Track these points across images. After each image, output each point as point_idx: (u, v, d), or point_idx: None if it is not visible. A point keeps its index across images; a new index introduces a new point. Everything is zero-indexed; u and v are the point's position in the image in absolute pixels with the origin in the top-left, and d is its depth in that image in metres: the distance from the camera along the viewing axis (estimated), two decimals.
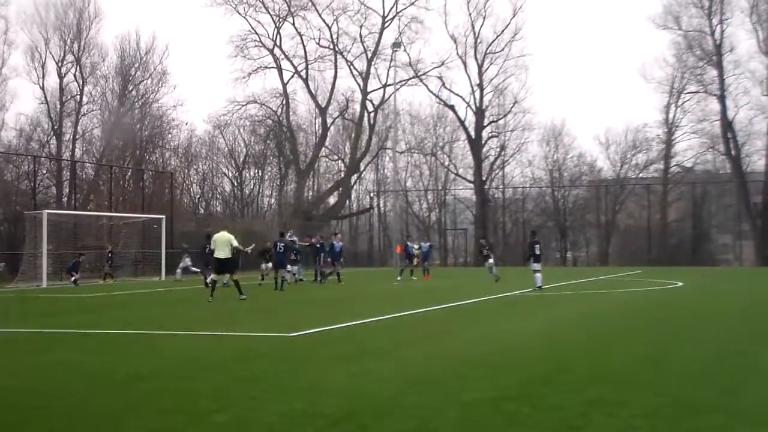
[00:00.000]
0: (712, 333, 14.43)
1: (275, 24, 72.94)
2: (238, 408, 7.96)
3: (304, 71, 74.01)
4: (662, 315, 18.63)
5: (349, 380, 9.42)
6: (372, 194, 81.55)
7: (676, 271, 43.74)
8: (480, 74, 75.77)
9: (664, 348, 12.22)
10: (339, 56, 74.20)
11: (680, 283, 31.67)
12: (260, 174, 75.80)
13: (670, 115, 75.08)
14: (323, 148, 76.52)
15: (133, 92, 64.33)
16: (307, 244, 36.60)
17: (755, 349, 12.03)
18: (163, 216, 43.79)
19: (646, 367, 10.23)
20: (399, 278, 36.42)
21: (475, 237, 75.64)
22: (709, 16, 72.03)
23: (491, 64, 76.03)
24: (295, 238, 36.07)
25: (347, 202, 79.19)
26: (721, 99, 71.69)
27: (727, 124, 71.57)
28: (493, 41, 75.50)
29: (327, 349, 12.40)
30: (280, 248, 30.42)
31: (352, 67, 75.07)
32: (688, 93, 74.54)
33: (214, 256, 24.17)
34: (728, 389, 8.67)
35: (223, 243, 23.83)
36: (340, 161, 79.25)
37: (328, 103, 74.74)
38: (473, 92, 76.01)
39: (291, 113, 74.16)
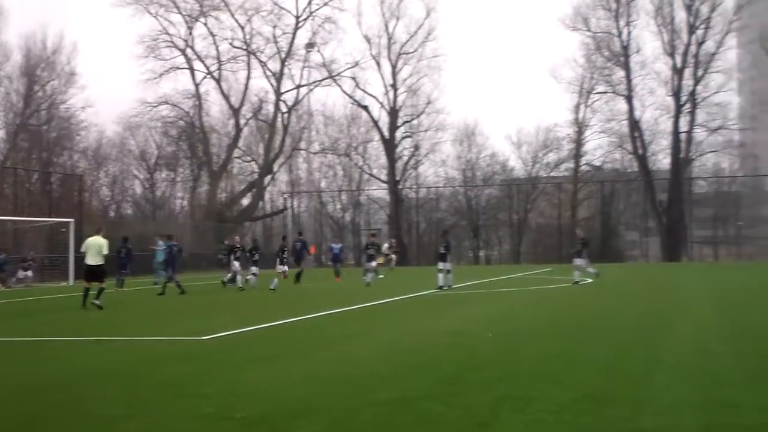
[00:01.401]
0: (618, 327, 14.72)
1: (187, 24, 72.23)
2: (150, 414, 7.84)
3: (217, 72, 73.46)
4: (571, 311, 18.96)
5: (263, 383, 9.35)
6: (286, 195, 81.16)
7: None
8: (394, 75, 76.15)
9: (572, 343, 12.44)
10: (252, 57, 73.85)
11: (589, 280, 32.27)
12: (172, 176, 74.80)
13: (580, 115, 76.61)
14: (236, 150, 75.96)
15: (39, 93, 62.82)
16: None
17: (659, 341, 12.33)
18: (72, 219, 42.76)
19: (554, 362, 10.39)
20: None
21: (388, 236, 75.96)
22: (617, 18, 73.75)
23: (405, 64, 76.52)
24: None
25: (261, 203, 78.72)
26: (629, 99, 73.46)
27: (634, 124, 73.36)
28: (406, 42, 76.01)
29: (240, 352, 12.29)
30: (298, 245, 32.04)
31: (265, 67, 74.76)
32: (597, 93, 76.18)
33: (85, 262, 22.29)
34: (633, 381, 8.88)
35: (96, 249, 21.82)
36: (253, 162, 78.73)
37: (242, 103, 74.25)
38: (387, 93, 76.39)
39: (204, 114, 73.51)
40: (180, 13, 71.75)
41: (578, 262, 30.18)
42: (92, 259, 21.77)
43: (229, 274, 32.13)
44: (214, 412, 7.78)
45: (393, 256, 33.40)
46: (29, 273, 40.18)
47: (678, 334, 13.50)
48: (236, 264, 31.38)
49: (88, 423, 7.50)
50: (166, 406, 8.15)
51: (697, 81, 71.79)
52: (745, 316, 16.62)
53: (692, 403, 7.73)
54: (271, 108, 75.54)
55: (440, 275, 27.43)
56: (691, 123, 72.30)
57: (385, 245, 43.62)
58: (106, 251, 21.97)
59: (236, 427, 7.18)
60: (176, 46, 72.40)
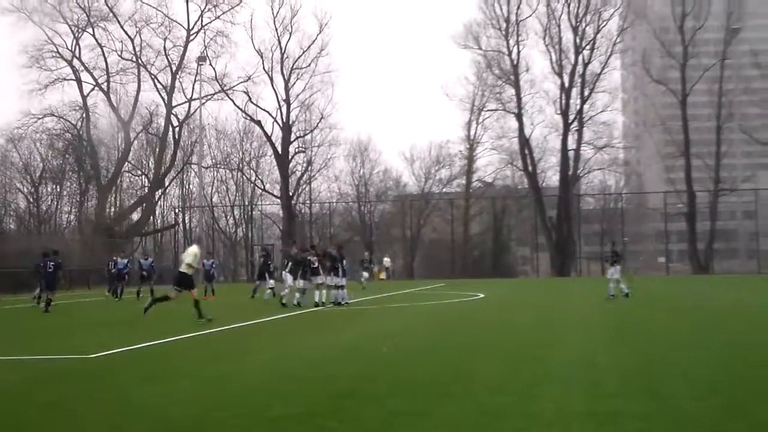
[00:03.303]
0: (510, 341, 14.98)
1: (74, 34, 70.45)
2: None
3: (106, 84, 71.82)
4: (463, 326, 19.20)
5: (153, 401, 9.16)
6: (177, 210, 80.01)
7: (478, 283, 45.28)
8: (287, 89, 75.97)
9: (465, 357, 12.59)
10: (142, 69, 72.53)
11: (481, 295, 32.79)
12: (58, 189, 72.72)
13: (472, 132, 77.99)
14: (126, 163, 74.44)
15: None
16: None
17: (548, 355, 12.59)
18: None
19: (448, 377, 10.49)
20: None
21: (282, 252, 75.53)
22: (507, 37, 75.43)
23: (298, 79, 76.43)
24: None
25: (151, 218, 77.31)
26: (519, 117, 75.13)
27: (524, 141, 75.00)
28: (299, 57, 75.96)
29: (129, 370, 12.02)
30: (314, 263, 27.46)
31: (156, 80, 73.58)
32: (488, 110, 77.76)
33: None
34: (525, 394, 9.03)
35: None
36: (143, 176, 77.32)
37: (131, 116, 72.82)
38: (280, 107, 76.13)
39: (92, 127, 71.74)
40: (66, 22, 69.92)
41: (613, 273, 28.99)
42: None
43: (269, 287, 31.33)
44: None
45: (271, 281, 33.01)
46: None
47: (565, 347, 13.80)
48: (289, 277, 27.65)
49: None
50: (50, 428, 7.90)
51: (584, 100, 73.97)
52: (627, 327, 17.12)
53: (578, 414, 7.92)
54: (162, 121, 74.36)
55: (333, 292, 26.98)
56: (579, 141, 74.38)
57: (386, 259, 44.23)
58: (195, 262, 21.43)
59: None
60: (62, 57, 70.50)
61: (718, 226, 73.03)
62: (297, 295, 26.54)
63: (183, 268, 21.22)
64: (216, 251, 75.12)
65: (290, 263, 27.70)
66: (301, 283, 26.65)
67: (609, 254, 29.60)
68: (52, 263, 28.45)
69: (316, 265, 26.80)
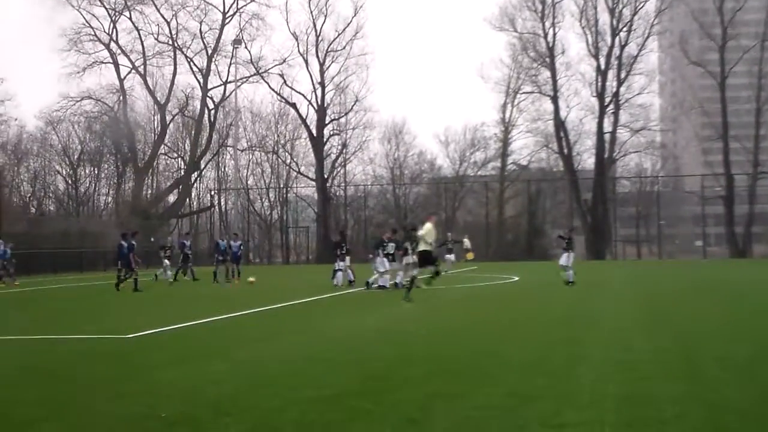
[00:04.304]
0: (544, 323, 14.92)
1: (111, 18, 70.94)
2: (70, 415, 7.67)
3: (142, 67, 72.36)
4: (499, 308, 19.16)
5: (186, 382, 9.23)
6: (213, 192, 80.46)
7: (513, 266, 45.16)
8: (321, 72, 75.91)
9: (500, 340, 12.56)
10: (178, 52, 72.91)
11: (516, 278, 32.68)
12: (96, 172, 73.51)
13: (507, 115, 77.52)
14: (162, 146, 75.00)
15: None
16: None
17: (583, 337, 12.53)
18: None
19: (483, 359, 10.47)
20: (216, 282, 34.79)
21: (317, 234, 75.80)
22: (542, 19, 74.75)
23: (333, 62, 76.35)
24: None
25: (187, 200, 77.83)
26: (554, 99, 74.52)
27: (559, 124, 74.43)
28: (334, 39, 75.88)
29: (164, 351, 12.13)
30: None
31: (192, 63, 73.94)
32: (524, 93, 77.20)
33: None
34: (558, 376, 9.00)
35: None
36: (179, 159, 77.84)
37: (168, 99, 73.32)
38: (315, 90, 76.13)
39: (128, 110, 72.44)
40: (103, 6, 70.53)
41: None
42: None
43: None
44: (136, 411, 7.65)
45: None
46: None
47: (600, 330, 13.73)
48: (385, 261, 26.91)
49: (4, 426, 7.30)
50: (86, 407, 7.98)
51: (620, 83, 73.23)
52: (663, 311, 16.99)
53: (614, 397, 7.87)
54: (197, 104, 74.77)
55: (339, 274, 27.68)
56: (615, 124, 73.71)
57: (465, 240, 44.13)
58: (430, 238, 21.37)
59: (160, 427, 7.07)
60: (100, 40, 71.14)
61: (757, 210, 72.05)
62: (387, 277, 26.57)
63: (423, 247, 21.01)
64: (251, 233, 75.56)
65: (385, 246, 27.15)
66: (387, 264, 26.51)
67: (563, 241, 27.93)
68: (125, 244, 28.97)
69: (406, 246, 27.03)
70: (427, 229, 21.05)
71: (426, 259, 21.04)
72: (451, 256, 36.44)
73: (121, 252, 28.87)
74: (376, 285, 26.65)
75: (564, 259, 27.16)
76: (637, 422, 6.84)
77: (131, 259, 28.56)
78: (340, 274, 27.94)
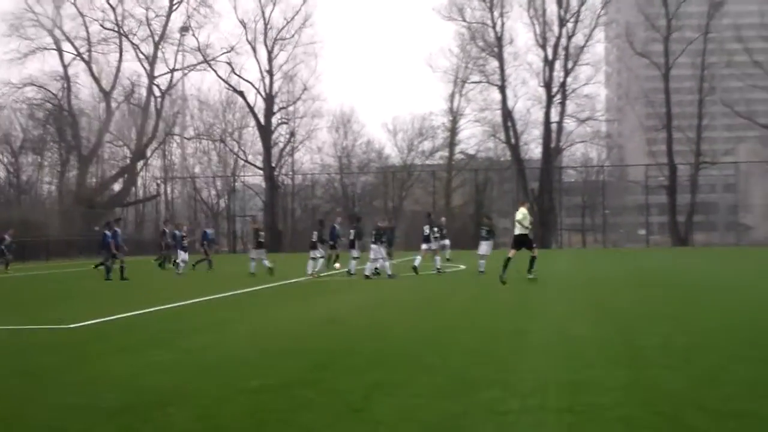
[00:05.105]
0: (489, 312, 15.03)
1: (54, 3, 69.65)
2: (10, 403, 7.56)
3: (87, 53, 71.23)
4: (444, 297, 19.24)
5: (130, 372, 9.14)
6: (159, 181, 79.67)
7: (460, 254, 45.25)
8: (270, 60, 75.55)
9: (445, 329, 12.62)
10: (124, 39, 71.93)
11: (463, 266, 32.85)
12: (39, 160, 72.22)
13: (455, 104, 77.78)
14: (108, 134, 73.93)
15: None
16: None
17: (527, 325, 12.64)
18: None
19: (426, 348, 10.51)
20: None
21: (264, 223, 75.40)
22: (491, 9, 75.08)
23: (281, 50, 76.03)
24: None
25: (133, 189, 76.96)
26: (502, 89, 74.94)
27: (507, 114, 74.91)
28: (283, 28, 75.53)
29: (107, 341, 12.00)
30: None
31: (138, 50, 73.04)
32: (472, 83, 77.50)
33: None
34: (502, 364, 9.08)
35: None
36: (125, 147, 76.89)
37: (113, 87, 72.34)
38: (263, 78, 75.76)
39: (73, 97, 71.30)
40: None
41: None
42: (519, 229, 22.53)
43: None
44: (78, 402, 7.57)
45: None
46: None
47: (545, 319, 13.86)
48: (382, 249, 26.86)
49: None
50: (26, 399, 7.86)
51: (567, 73, 73.87)
52: (606, 300, 17.20)
53: (557, 384, 7.95)
54: (143, 92, 73.93)
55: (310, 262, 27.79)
56: (562, 114, 74.38)
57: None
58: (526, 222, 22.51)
59: (103, 417, 6.99)
60: (43, 26, 69.81)
61: (699, 199, 73.33)
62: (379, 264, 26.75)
63: (519, 230, 22.46)
64: (198, 222, 74.94)
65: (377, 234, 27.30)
66: (383, 252, 26.80)
67: (483, 229, 27.92)
68: (108, 233, 29.00)
69: (427, 233, 28.65)
70: (522, 214, 22.50)
71: (522, 242, 22.49)
72: (447, 242, 35.44)
73: (104, 240, 28.88)
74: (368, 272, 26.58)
75: (484, 248, 27.27)
76: (579, 408, 6.92)
77: (113, 247, 28.48)
78: (311, 262, 28.03)
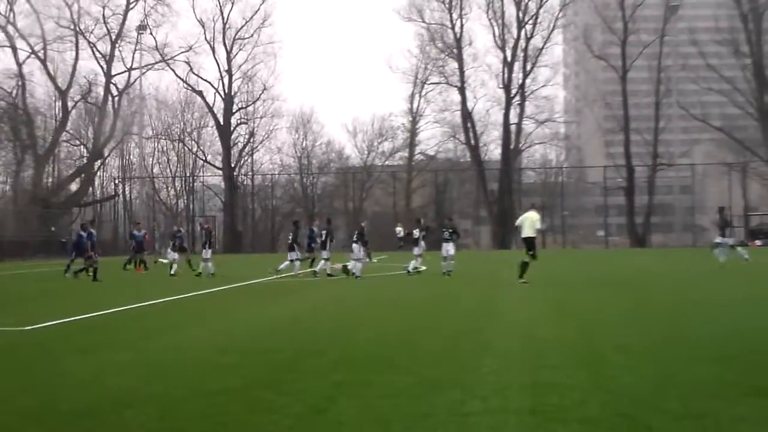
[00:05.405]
0: (451, 314, 15.07)
1: (7, 0, 68.62)
2: None
3: (42, 51, 70.25)
4: (405, 299, 19.25)
5: (90, 373, 9.04)
6: (117, 181, 78.89)
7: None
8: (229, 60, 75.23)
9: (407, 330, 12.62)
10: (80, 37, 71.12)
11: (423, 267, 32.88)
12: None
13: (415, 105, 78.03)
14: (64, 133, 73.08)
15: None
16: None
17: (489, 327, 12.69)
18: None
19: (389, 349, 10.52)
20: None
21: (224, 224, 75.10)
22: (450, 10, 75.48)
23: (240, 50, 75.80)
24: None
25: (90, 189, 76.14)
26: (461, 90, 75.33)
27: (466, 115, 75.30)
28: (242, 27, 75.29)
29: (65, 343, 11.85)
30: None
31: (94, 49, 72.24)
32: (431, 84, 77.85)
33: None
34: (464, 365, 9.09)
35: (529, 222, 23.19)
36: (82, 146, 76.03)
37: (69, 85, 71.49)
38: (222, 78, 75.45)
39: (28, 95, 70.28)
40: None
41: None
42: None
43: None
44: (36, 405, 7.46)
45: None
46: None
47: (506, 319, 13.93)
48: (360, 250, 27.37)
49: None
50: None
51: (526, 74, 74.45)
52: (566, 301, 17.32)
53: (518, 385, 7.99)
54: (101, 91, 73.11)
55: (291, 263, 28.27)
56: (521, 115, 74.91)
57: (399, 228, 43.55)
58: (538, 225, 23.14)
59: (61, 420, 6.91)
60: None
61: (656, 200, 74.23)
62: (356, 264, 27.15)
63: (531, 234, 23.00)
64: (157, 222, 74.42)
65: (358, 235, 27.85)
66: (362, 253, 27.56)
67: (446, 231, 27.81)
68: (84, 234, 29.06)
69: (417, 236, 28.82)
70: (536, 217, 23.25)
71: (529, 244, 23.21)
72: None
73: (80, 241, 28.78)
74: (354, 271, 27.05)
75: (449, 250, 27.29)
76: (540, 409, 6.96)
77: (90, 249, 28.34)
78: (286, 263, 28.48)
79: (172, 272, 29.84)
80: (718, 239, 30.34)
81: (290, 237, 29.19)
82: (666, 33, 74.29)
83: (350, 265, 26.96)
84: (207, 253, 29.29)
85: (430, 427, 6.47)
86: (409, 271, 28.13)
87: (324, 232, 28.58)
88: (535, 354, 9.87)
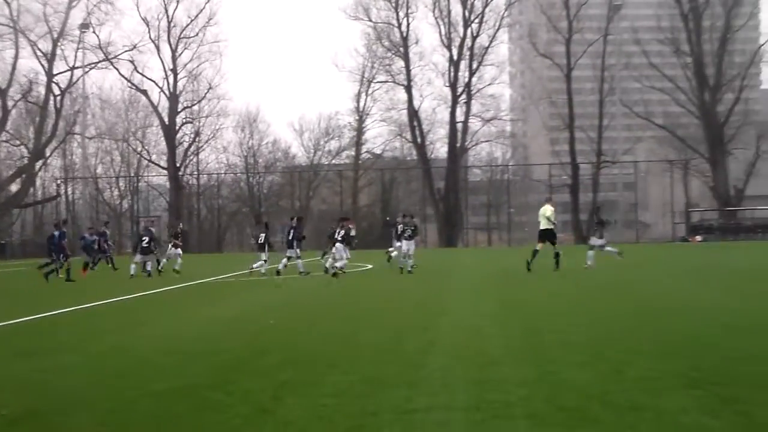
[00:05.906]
0: (397, 311, 15.09)
1: None
2: None
3: None
4: (351, 297, 19.27)
5: (33, 376, 8.91)
6: (59, 181, 77.68)
7: (367, 254, 45.42)
8: (174, 59, 74.59)
9: (352, 328, 12.63)
10: (20, 35, 69.88)
11: (370, 265, 32.96)
12: None
13: (361, 104, 78.12)
14: (4, 133, 71.78)
15: None
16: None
17: (434, 324, 12.75)
18: None
19: (335, 347, 10.51)
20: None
21: (168, 224, 74.36)
22: (396, 9, 75.66)
23: (185, 48, 75.23)
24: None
25: (31, 189, 74.90)
26: (408, 89, 75.55)
27: (413, 113, 75.52)
28: (187, 26, 74.74)
29: (5, 345, 11.66)
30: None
31: (35, 47, 71.03)
32: (378, 82, 78.00)
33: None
34: (410, 363, 9.12)
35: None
36: (23, 147, 74.73)
37: (9, 84, 70.28)
38: (167, 77, 74.76)
39: None
40: None
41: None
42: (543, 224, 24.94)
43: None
44: None
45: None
46: None
47: (452, 316, 14.00)
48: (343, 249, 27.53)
49: None
50: None
51: (472, 73, 74.89)
52: (512, 298, 17.47)
53: (464, 382, 8.04)
54: (42, 90, 71.98)
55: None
56: (467, 113, 75.33)
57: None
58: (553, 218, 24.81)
59: (2, 424, 6.80)
60: None
61: (600, 197, 75.12)
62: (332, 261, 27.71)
63: (545, 225, 24.98)
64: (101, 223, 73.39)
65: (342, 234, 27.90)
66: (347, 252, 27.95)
67: (408, 229, 27.91)
68: (56, 233, 28.73)
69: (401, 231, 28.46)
70: (550, 210, 25.19)
71: (546, 235, 25.17)
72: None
73: (53, 241, 28.39)
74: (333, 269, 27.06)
75: (410, 246, 27.39)
76: (486, 405, 7.01)
77: (64, 248, 28.22)
78: (260, 263, 28.66)
79: (133, 273, 29.41)
80: (599, 241, 28.97)
81: (262, 237, 29.15)
82: (609, 32, 75.30)
83: (339, 264, 26.83)
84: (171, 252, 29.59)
85: (375, 426, 6.49)
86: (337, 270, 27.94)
87: (291, 231, 28.46)
88: (481, 350, 9.92)
